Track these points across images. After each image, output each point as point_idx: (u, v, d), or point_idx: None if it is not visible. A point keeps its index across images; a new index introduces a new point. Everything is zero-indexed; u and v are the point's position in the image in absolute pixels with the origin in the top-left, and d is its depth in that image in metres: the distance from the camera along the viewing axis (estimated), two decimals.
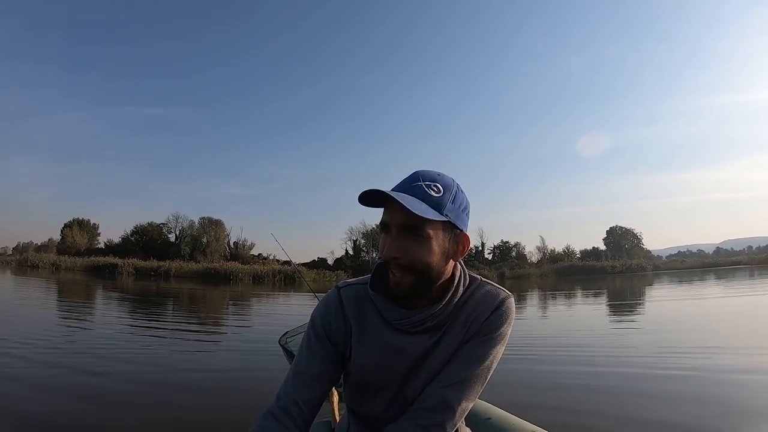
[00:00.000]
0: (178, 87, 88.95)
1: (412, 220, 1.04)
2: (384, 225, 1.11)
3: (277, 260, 46.66)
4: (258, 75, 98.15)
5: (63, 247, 48.98)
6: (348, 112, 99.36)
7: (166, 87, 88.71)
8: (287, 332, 3.16)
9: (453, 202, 1.10)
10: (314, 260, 43.57)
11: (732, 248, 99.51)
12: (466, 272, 1.24)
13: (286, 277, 40.39)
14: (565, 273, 51.80)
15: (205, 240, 51.41)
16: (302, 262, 46.19)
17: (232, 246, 53.26)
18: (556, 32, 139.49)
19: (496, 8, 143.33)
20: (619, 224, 67.06)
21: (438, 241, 1.10)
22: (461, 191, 1.15)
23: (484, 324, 1.19)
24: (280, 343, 3.13)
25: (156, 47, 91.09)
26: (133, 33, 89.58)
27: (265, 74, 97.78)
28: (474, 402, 1.20)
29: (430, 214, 1.04)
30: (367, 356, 1.23)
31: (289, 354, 3.02)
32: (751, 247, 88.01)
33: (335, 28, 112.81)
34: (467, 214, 1.15)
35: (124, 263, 38.42)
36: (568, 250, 62.86)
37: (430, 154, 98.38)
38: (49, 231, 60.93)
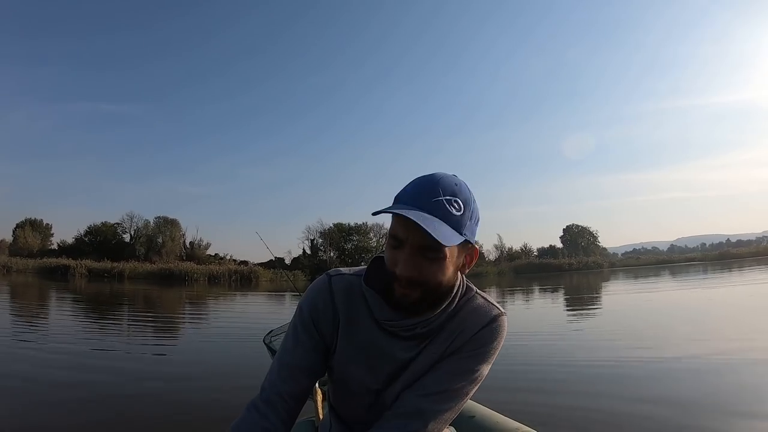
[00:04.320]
0: (131, 82, 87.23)
1: (433, 243, 0.97)
2: (397, 240, 1.04)
3: (234, 260, 46.74)
4: (212, 70, 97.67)
5: (15, 248, 47.90)
6: (303, 109, 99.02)
7: (119, 82, 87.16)
8: (271, 331, 3.15)
9: (471, 219, 1.05)
10: (271, 260, 43.76)
11: (686, 245, 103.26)
12: (464, 282, 1.20)
13: (242, 278, 40.65)
14: (522, 271, 52.44)
15: (160, 240, 51.03)
16: (259, 261, 46.26)
17: (188, 246, 52.91)
18: (514, 34, 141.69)
19: (451, 8, 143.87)
20: (576, 222, 68.30)
21: (452, 260, 1.06)
22: (474, 201, 1.08)
23: (472, 339, 1.15)
24: (264, 342, 3.07)
25: (108, 41, 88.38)
26: (85, 26, 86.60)
27: (218, 69, 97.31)
28: (453, 418, 1.17)
29: (455, 239, 1.00)
30: (351, 353, 1.20)
31: (274, 352, 2.78)
32: (704, 244, 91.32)
33: (290, 22, 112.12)
34: (478, 224, 1.10)
35: (77, 264, 38.01)
36: (525, 248, 63.35)
37: (386, 154, 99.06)
38: (0, 232, 59.25)
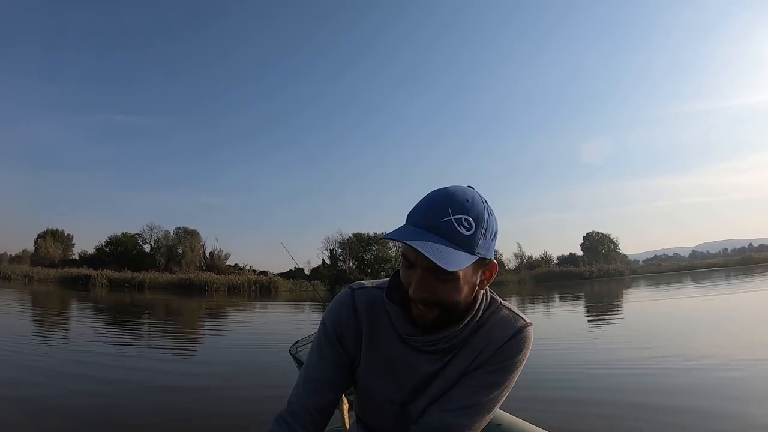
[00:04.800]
0: (150, 95, 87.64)
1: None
2: (408, 261, 1.03)
3: (253, 270, 46.56)
4: (229, 82, 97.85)
5: (36, 258, 48.29)
6: (324, 118, 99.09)
7: (138, 95, 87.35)
8: (297, 341, 3.17)
9: (485, 235, 1.02)
10: (291, 270, 43.51)
11: (707, 251, 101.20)
12: (488, 294, 1.18)
13: (261, 288, 40.35)
14: (542, 279, 52.24)
15: (180, 250, 51.12)
16: (279, 271, 46.08)
17: (207, 256, 53.02)
18: (532, 39, 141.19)
19: (472, 12, 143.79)
20: (596, 230, 67.40)
21: (466, 279, 1.04)
22: (490, 214, 1.05)
23: (498, 352, 1.13)
24: (290, 353, 3.09)
25: (127, 55, 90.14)
26: (105, 41, 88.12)
27: (235, 82, 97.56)
28: (481, 428, 1.15)
29: (463, 262, 0.97)
30: (375, 366, 1.20)
31: (300, 363, 2.82)
32: (726, 249, 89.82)
33: (307, 34, 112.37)
34: (495, 239, 1.07)
35: (97, 274, 38.07)
36: (545, 256, 63.04)
37: (405, 162, 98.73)
38: (23, 242, 59.88)
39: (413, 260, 1.01)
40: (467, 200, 1.01)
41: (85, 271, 39.80)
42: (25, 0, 76.62)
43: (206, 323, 15.10)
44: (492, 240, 1.05)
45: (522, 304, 18.33)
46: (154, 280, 39.52)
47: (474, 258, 0.99)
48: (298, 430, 1.12)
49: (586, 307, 17.94)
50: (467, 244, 0.98)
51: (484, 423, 1.13)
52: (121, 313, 16.68)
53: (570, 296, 24.42)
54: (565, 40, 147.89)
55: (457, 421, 1.09)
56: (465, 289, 1.05)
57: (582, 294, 26.54)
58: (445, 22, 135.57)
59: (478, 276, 1.08)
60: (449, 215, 0.98)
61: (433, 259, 0.92)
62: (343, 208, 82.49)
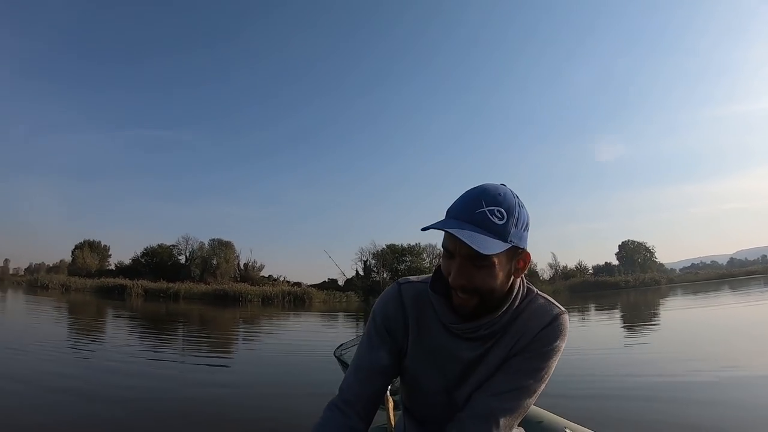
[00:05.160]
0: (184, 109, 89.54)
1: (478, 252, 1.04)
2: (448, 251, 1.13)
3: (287, 281, 46.37)
4: (260, 95, 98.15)
5: (74, 268, 49.02)
6: (352, 131, 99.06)
7: (174, 108, 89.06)
8: (342, 344, 3.36)
9: (516, 225, 1.11)
10: (324, 281, 43.26)
11: (746, 258, 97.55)
12: (525, 284, 1.24)
13: (295, 299, 40.02)
14: (578, 289, 50.90)
15: (215, 261, 51.21)
16: (312, 283, 45.87)
17: (242, 267, 53.02)
18: (562, 46, 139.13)
19: (501, 16, 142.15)
20: (631, 238, 65.66)
21: (501, 266, 1.11)
22: (522, 207, 1.14)
23: (535, 338, 1.19)
24: (335, 355, 3.30)
25: (164, 66, 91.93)
26: (144, 52, 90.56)
27: (269, 93, 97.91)
28: (523, 415, 1.20)
29: (496, 248, 1.05)
30: (421, 355, 1.27)
31: (344, 364, 3.11)
32: (765, 256, 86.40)
33: (335, 46, 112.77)
34: (528, 230, 1.15)
35: (133, 284, 38.24)
36: (580, 266, 61.77)
37: (436, 174, 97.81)
38: (61, 252, 61.08)
39: (452, 250, 1.11)
40: (499, 194, 1.11)
41: (121, 281, 40.05)
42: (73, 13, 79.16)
43: (249, 331, 15.19)
44: (524, 231, 1.14)
45: None
46: (189, 291, 39.49)
47: (507, 245, 1.08)
48: (351, 415, 1.19)
49: (622, 317, 17.51)
50: (500, 233, 1.08)
51: (526, 407, 1.19)
52: (158, 322, 16.72)
53: (606, 307, 23.74)
54: (593, 46, 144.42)
55: (500, 405, 1.15)
56: (500, 276, 1.13)
57: (617, 303, 26.06)
58: (471, 35, 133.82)
59: (513, 264, 1.15)
60: (483, 207, 1.09)
61: (469, 244, 1.02)
62: (377, 220, 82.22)
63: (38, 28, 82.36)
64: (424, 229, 1.08)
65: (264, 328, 16.38)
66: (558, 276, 59.23)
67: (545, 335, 1.19)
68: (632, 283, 52.98)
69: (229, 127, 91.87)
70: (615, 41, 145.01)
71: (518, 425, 1.31)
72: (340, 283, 52.66)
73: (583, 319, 16.87)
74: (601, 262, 63.33)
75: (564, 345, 1.21)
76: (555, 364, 1.21)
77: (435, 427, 1.27)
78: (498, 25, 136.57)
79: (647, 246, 64.72)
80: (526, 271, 1.21)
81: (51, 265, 56.08)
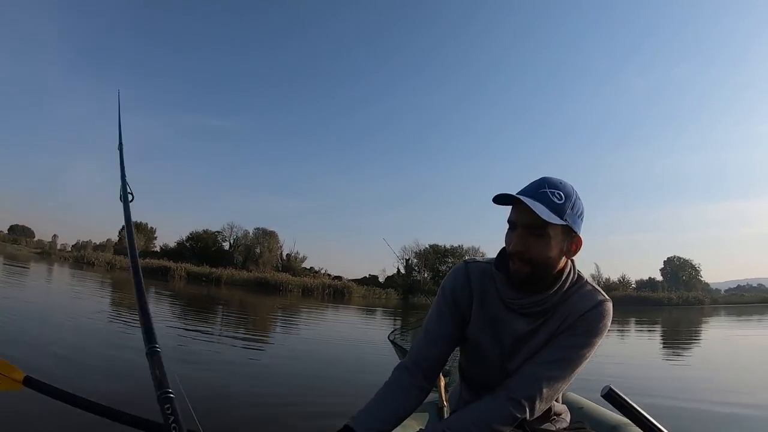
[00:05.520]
0: (239, 97, 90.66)
1: (537, 221, 1.20)
2: (511, 223, 1.29)
3: (328, 274, 46.14)
4: (320, 90, 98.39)
5: (120, 247, 49.94)
6: (408, 131, 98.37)
7: (228, 97, 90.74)
8: (395, 329, 3.58)
9: (572, 209, 1.25)
10: (365, 277, 42.90)
11: None
12: (576, 270, 1.36)
13: (335, 292, 39.66)
14: (619, 303, 47.88)
15: (258, 250, 51.47)
16: (353, 278, 45.54)
17: (284, 258, 53.21)
18: (615, 52, 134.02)
19: (550, 21, 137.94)
20: (677, 254, 63.29)
21: (556, 241, 1.25)
22: (579, 198, 1.29)
23: (580, 318, 1.31)
24: (389, 339, 3.51)
25: (218, 58, 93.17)
26: (199, 42, 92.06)
27: (325, 90, 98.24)
28: (566, 386, 1.32)
29: (553, 219, 1.19)
30: (481, 324, 1.41)
31: (398, 347, 3.42)
32: None
33: (398, 47, 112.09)
34: (582, 219, 1.30)
35: (177, 267, 38.62)
36: (623, 279, 59.64)
37: (481, 176, 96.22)
38: (108, 232, 62.56)
39: (515, 220, 1.28)
40: (560, 182, 1.28)
41: (165, 263, 40.41)
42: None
43: (288, 319, 15.31)
44: (578, 217, 1.28)
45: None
46: (231, 277, 39.58)
47: (562, 222, 1.22)
48: (418, 374, 1.36)
49: (664, 334, 16.80)
50: (558, 210, 1.22)
51: (568, 379, 1.32)
52: (200, 303, 16.85)
53: (647, 322, 22.52)
54: (650, 55, 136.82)
55: (546, 372, 1.29)
56: (554, 250, 1.26)
57: (658, 320, 24.81)
58: (518, 32, 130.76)
59: (566, 245, 1.29)
60: (546, 188, 1.25)
61: (532, 207, 1.18)
62: (422, 220, 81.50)
63: (102, 9, 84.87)
64: (496, 198, 1.24)
65: (302, 317, 16.39)
66: (601, 288, 57.16)
67: (590, 317, 1.30)
68: (675, 301, 50.95)
69: (284, 121, 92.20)
70: (671, 51, 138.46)
71: (561, 402, 1.55)
72: (381, 280, 52.33)
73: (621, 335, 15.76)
74: (645, 277, 61.38)
75: (606, 330, 1.32)
76: (596, 345, 1.32)
77: (488, 393, 1.35)
78: (549, 23, 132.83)
79: (693, 264, 62.59)
80: (577, 255, 1.33)
81: (97, 243, 57.39)
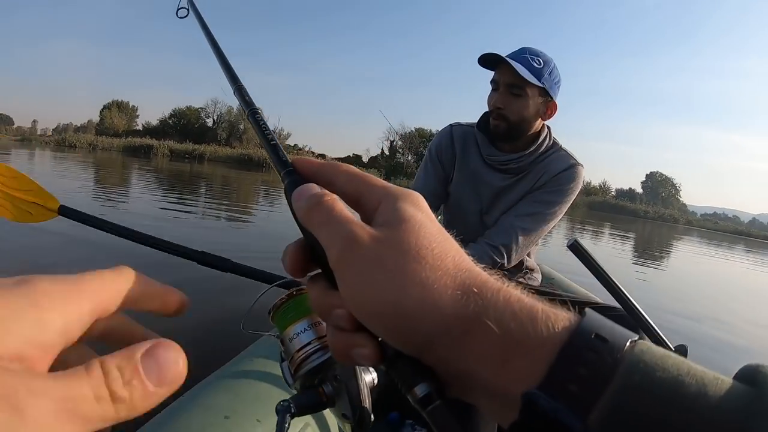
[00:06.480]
0: None
1: (517, 80, 1.37)
2: (494, 82, 1.44)
3: (312, 152, 46.43)
4: None
5: (101, 128, 49.52)
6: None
7: None
8: None
9: (550, 74, 1.39)
10: (349, 156, 43.12)
11: None
12: (552, 136, 1.53)
13: None
14: (596, 208, 51.39)
15: (242, 126, 51.15)
16: (336, 156, 45.82)
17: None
18: None
19: None
20: (661, 170, 63.87)
21: (533, 102, 1.40)
22: (557, 69, 1.42)
23: (554, 178, 1.46)
24: None
25: None
26: None
27: None
28: (538, 238, 1.49)
29: (532, 78, 1.35)
30: (463, 181, 1.58)
31: None
32: None
33: None
34: (558, 87, 1.44)
35: (159, 145, 38.60)
36: (603, 185, 61.10)
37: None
38: (89, 113, 61.54)
39: (497, 80, 1.42)
40: (540, 52, 1.40)
41: (147, 141, 40.47)
42: None
43: (269, 194, 15.69)
44: (555, 84, 1.42)
45: (571, 231, 16.49)
46: (214, 153, 39.94)
47: (540, 84, 1.37)
48: None
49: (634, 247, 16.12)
50: (537, 73, 1.36)
51: (540, 232, 1.47)
52: (181, 181, 16.93)
53: (620, 232, 22.38)
54: None
55: (519, 223, 1.44)
56: (530, 110, 1.41)
57: (632, 232, 24.69)
58: None
59: (542, 107, 1.43)
60: (527, 54, 1.38)
61: (513, 65, 1.33)
62: (410, 102, 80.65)
63: None
64: (481, 58, 1.40)
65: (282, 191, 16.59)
66: (580, 190, 58.64)
67: (563, 177, 1.46)
68: (651, 215, 53.51)
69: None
70: None
71: (537, 264, 1.71)
72: (365, 159, 52.71)
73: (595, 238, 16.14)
74: (626, 187, 62.68)
75: (576, 191, 1.49)
76: (567, 203, 1.49)
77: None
78: None
79: (674, 182, 63.53)
80: (552, 119, 1.48)
81: (79, 125, 56.75)
